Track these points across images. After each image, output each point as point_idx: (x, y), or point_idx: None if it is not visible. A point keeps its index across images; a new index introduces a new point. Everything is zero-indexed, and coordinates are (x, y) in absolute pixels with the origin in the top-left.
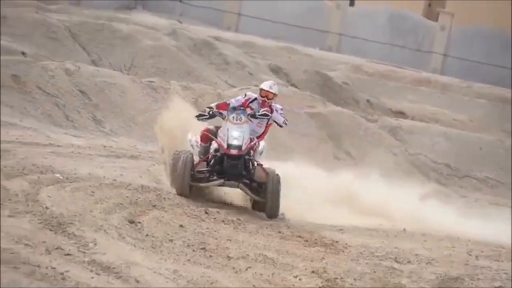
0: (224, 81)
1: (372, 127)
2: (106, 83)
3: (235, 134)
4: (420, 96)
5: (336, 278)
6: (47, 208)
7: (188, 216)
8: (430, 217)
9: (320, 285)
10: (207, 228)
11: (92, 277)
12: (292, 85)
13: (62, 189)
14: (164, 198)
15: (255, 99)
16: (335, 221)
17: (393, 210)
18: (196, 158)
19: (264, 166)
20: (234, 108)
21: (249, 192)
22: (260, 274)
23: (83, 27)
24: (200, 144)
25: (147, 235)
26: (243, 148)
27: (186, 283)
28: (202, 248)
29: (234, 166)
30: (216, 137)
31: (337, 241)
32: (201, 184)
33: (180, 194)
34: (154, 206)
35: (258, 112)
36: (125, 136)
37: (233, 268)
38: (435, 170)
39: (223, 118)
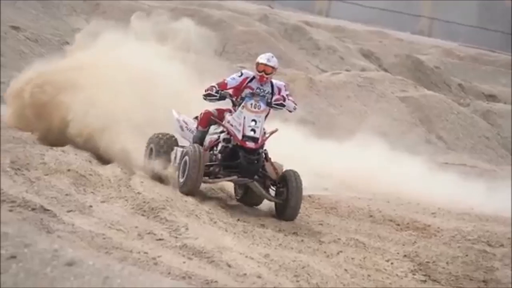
0: (315, 66)
1: (464, 111)
2: None
3: (253, 124)
4: None
5: (428, 262)
6: (139, 193)
7: None
8: None
9: (412, 268)
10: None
11: (184, 262)
12: (384, 69)
13: None
14: None
15: (253, 77)
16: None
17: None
18: (186, 143)
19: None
20: (253, 94)
21: (262, 191)
22: (352, 258)
23: (175, 12)
24: (197, 128)
25: (238, 219)
26: (260, 141)
27: (278, 268)
28: (293, 233)
29: (251, 162)
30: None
31: (429, 225)
32: (210, 180)
33: (189, 194)
34: None
35: (263, 96)
36: None
37: (325, 252)
38: None
39: (233, 102)
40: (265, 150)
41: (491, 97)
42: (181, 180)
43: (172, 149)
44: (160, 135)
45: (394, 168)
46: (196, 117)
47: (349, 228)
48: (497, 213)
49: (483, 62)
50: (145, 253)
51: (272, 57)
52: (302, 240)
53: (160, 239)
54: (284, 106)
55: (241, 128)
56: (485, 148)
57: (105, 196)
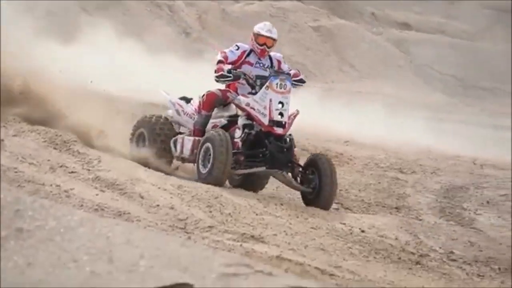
0: None
1: (376, 40)
2: None
3: (280, 106)
4: (425, 7)
5: (341, 190)
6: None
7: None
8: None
9: None
10: None
11: (97, 194)
12: None
13: None
14: None
15: (251, 51)
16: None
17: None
18: (185, 130)
19: None
20: (277, 72)
21: (293, 181)
22: (265, 188)
23: None
24: (200, 112)
25: None
26: (287, 125)
27: (191, 198)
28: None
29: (281, 151)
30: (224, 105)
31: (341, 153)
32: (236, 172)
33: (217, 184)
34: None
35: (288, 74)
36: None
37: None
38: (441, 81)
39: (249, 82)
40: (290, 135)
41: (404, 25)
42: (204, 171)
43: (171, 136)
44: (154, 119)
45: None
46: (183, 98)
47: None
48: (408, 141)
49: None
50: (58, 186)
51: (272, 27)
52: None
53: (72, 172)
54: (304, 82)
55: (267, 112)
56: (397, 76)
57: (17, 130)
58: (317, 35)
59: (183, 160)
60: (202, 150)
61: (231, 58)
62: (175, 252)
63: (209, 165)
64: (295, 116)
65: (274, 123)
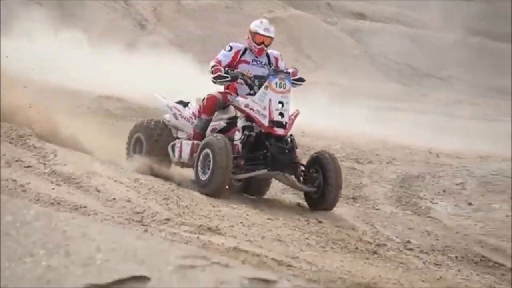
0: None
1: (332, 30)
2: None
3: (280, 106)
4: None
5: None
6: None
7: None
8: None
9: (282, 187)
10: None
11: (53, 188)
12: None
13: None
14: None
15: (246, 49)
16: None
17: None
18: (183, 134)
19: None
20: (276, 71)
21: (295, 182)
22: None
23: None
24: (200, 116)
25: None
26: (288, 125)
27: (147, 191)
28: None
29: (283, 152)
30: (223, 108)
31: (298, 145)
32: (235, 176)
33: (216, 194)
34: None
35: (287, 73)
36: None
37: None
38: (396, 70)
39: (247, 82)
40: (291, 135)
41: (359, 15)
42: (203, 178)
43: (169, 141)
44: (152, 123)
45: None
46: (180, 102)
47: None
48: (364, 131)
49: None
50: (13, 180)
51: (269, 24)
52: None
53: (28, 166)
54: (303, 81)
55: (266, 113)
56: (353, 66)
57: None
58: (272, 26)
59: (182, 164)
60: (201, 156)
61: (225, 61)
62: (132, 245)
63: (209, 172)
64: (295, 116)
65: (274, 123)
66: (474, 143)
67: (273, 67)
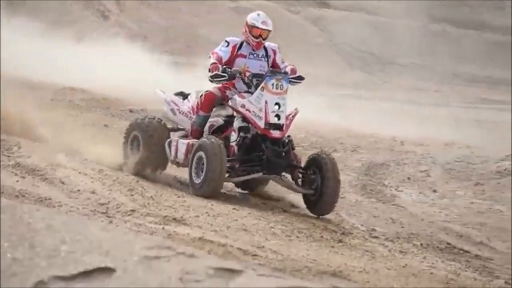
0: None
1: (295, 19)
2: None
3: (276, 108)
4: None
5: None
6: None
7: (114, 116)
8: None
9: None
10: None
11: (17, 181)
12: None
13: None
14: None
15: (242, 43)
16: None
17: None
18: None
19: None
20: (273, 71)
21: (292, 184)
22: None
23: None
24: (198, 113)
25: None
26: (285, 127)
27: (112, 182)
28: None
29: (279, 155)
30: (221, 103)
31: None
32: (231, 180)
33: (209, 197)
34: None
35: (285, 73)
36: None
37: None
38: (359, 58)
39: (245, 81)
40: (289, 137)
41: (323, 4)
42: (197, 181)
43: (166, 138)
44: (147, 120)
45: None
46: (180, 93)
47: None
48: (329, 119)
49: None
50: None
51: (267, 17)
52: None
53: None
54: (303, 79)
55: (262, 115)
56: (317, 55)
57: None
58: (236, 15)
59: (178, 164)
60: (195, 159)
61: (225, 57)
62: (97, 236)
63: (202, 175)
64: (293, 116)
65: (270, 125)
66: (438, 130)
67: (271, 67)
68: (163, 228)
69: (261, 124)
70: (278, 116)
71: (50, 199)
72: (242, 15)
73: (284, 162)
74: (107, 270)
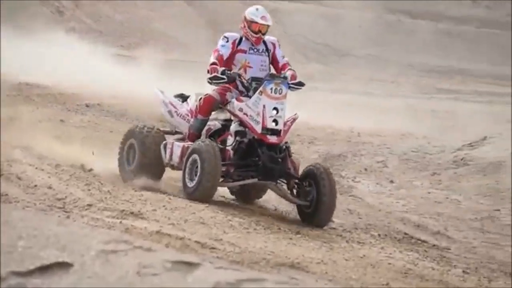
0: None
1: None
2: None
3: (274, 113)
4: None
5: None
6: None
7: (70, 111)
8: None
9: None
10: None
11: None
12: None
13: None
14: None
15: (241, 38)
16: None
17: None
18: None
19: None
20: (272, 75)
21: (287, 193)
22: None
23: None
24: (196, 116)
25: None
26: (282, 133)
27: (69, 177)
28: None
29: (275, 161)
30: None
31: None
32: (225, 185)
33: (202, 201)
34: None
35: (284, 77)
36: None
37: None
38: (315, 50)
39: (244, 85)
40: (286, 143)
41: None
42: (191, 184)
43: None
44: (146, 129)
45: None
46: (180, 95)
47: None
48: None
49: None
50: None
51: (266, 11)
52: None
53: None
54: (303, 85)
55: (260, 119)
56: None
57: None
58: (191, 9)
59: (172, 167)
60: (189, 162)
61: (226, 53)
62: (54, 231)
63: (196, 179)
64: (292, 122)
65: (267, 131)
66: (394, 121)
67: (270, 51)
68: (120, 222)
69: (258, 129)
70: (275, 121)
71: (6, 195)
72: (196, 8)
73: (280, 169)
74: (64, 265)
